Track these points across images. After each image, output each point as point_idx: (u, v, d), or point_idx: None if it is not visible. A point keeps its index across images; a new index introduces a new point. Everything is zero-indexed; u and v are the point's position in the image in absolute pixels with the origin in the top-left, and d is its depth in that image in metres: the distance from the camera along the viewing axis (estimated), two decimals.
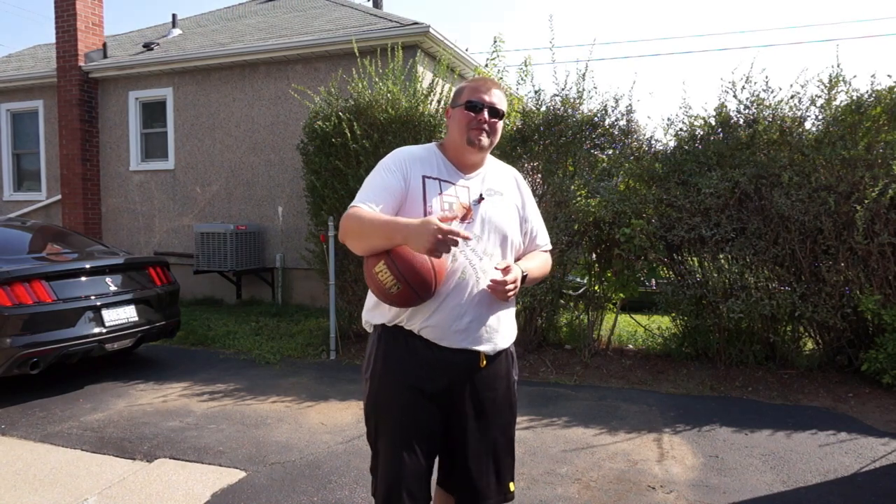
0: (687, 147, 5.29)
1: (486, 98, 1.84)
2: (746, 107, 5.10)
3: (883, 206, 4.60)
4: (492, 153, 2.01)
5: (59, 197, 9.91)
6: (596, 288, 5.86)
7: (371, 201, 1.77)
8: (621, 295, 5.84)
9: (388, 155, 1.90)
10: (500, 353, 1.90)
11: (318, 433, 3.93)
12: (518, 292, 1.82)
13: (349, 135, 5.90)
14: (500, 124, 1.88)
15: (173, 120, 9.32)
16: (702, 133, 5.26)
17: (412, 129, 5.93)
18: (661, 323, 6.17)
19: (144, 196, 9.56)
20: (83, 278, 4.98)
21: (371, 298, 1.93)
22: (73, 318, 4.73)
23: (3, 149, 10.50)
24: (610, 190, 5.37)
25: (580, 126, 5.60)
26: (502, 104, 1.87)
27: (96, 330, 4.85)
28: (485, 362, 1.85)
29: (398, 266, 1.67)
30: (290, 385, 5.02)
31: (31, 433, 3.93)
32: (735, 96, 5.16)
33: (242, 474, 3.33)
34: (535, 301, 5.50)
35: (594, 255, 5.86)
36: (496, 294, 1.77)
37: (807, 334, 5.36)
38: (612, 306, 6.04)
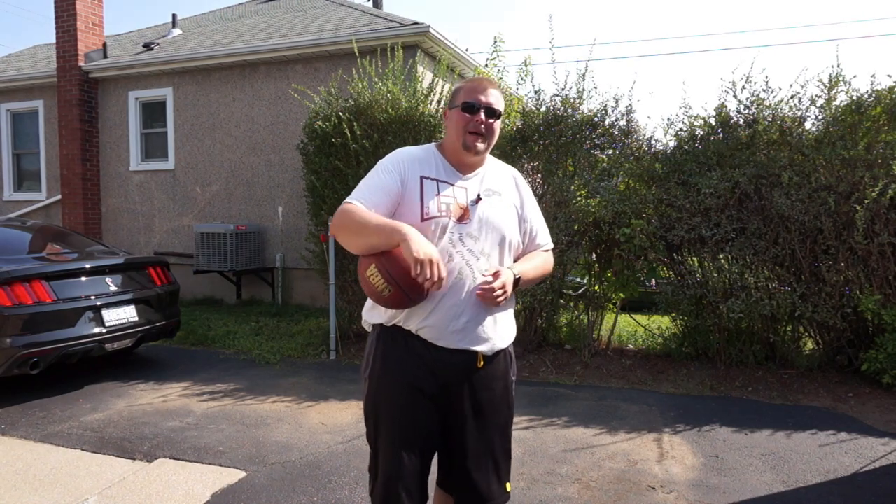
0: (687, 147, 5.29)
1: (483, 98, 1.84)
2: (746, 107, 5.10)
3: (883, 206, 4.60)
4: (492, 153, 2.02)
5: (59, 197, 9.91)
6: (596, 288, 5.86)
7: (366, 200, 1.78)
8: (621, 295, 5.84)
9: (388, 155, 1.91)
10: (498, 353, 1.90)
11: (318, 433, 3.93)
12: (510, 296, 1.81)
13: (349, 135, 5.90)
14: (497, 124, 1.87)
15: (173, 120, 9.32)
16: (702, 133, 5.26)
17: (412, 129, 5.93)
18: (661, 323, 6.17)
19: (144, 196, 9.56)
20: (83, 278, 4.98)
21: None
22: (73, 318, 4.73)
23: (3, 149, 10.51)
24: (610, 190, 5.37)
25: (580, 126, 5.60)
26: (499, 104, 1.87)
27: (96, 330, 4.85)
28: (482, 362, 1.85)
29: (389, 269, 1.70)
30: (290, 385, 5.02)
31: (31, 433, 3.93)
32: (735, 96, 5.16)
33: (242, 474, 3.33)
34: (535, 301, 5.50)
35: (594, 255, 5.86)
36: (484, 300, 1.77)
37: (807, 334, 5.36)
38: (612, 306, 6.04)
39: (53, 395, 4.72)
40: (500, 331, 1.87)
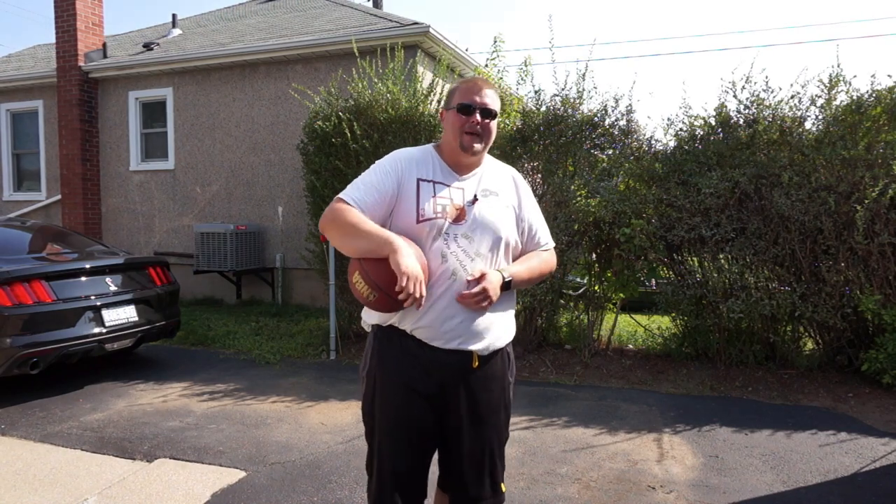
0: (687, 147, 5.29)
1: (478, 99, 1.84)
2: (746, 107, 5.10)
3: (883, 206, 4.60)
4: (492, 153, 2.02)
5: (59, 197, 9.91)
6: (596, 288, 5.86)
7: (359, 199, 1.80)
8: (621, 295, 5.84)
9: (386, 156, 1.92)
10: (495, 353, 1.89)
11: (318, 433, 3.93)
12: (496, 298, 1.78)
13: (349, 135, 5.90)
14: (493, 124, 1.87)
15: (173, 120, 9.32)
16: (702, 133, 5.26)
17: (412, 129, 5.93)
18: (661, 323, 6.17)
19: (144, 196, 9.56)
20: (83, 278, 4.98)
21: None
22: (73, 318, 4.73)
23: (3, 149, 10.51)
24: (610, 190, 5.37)
25: (580, 126, 5.59)
26: (495, 104, 1.87)
27: (96, 330, 4.85)
28: (477, 362, 1.85)
29: (371, 275, 1.72)
30: (290, 385, 5.02)
31: (31, 433, 3.93)
32: (735, 96, 5.16)
33: (242, 474, 3.33)
34: (535, 301, 5.50)
35: (594, 255, 5.86)
36: (466, 306, 1.77)
37: (807, 334, 5.36)
38: (612, 306, 6.04)
39: (53, 395, 4.72)
40: (496, 331, 1.86)
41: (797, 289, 4.87)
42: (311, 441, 3.80)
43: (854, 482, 3.25)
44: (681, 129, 5.35)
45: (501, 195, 1.92)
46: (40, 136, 10.27)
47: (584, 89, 5.65)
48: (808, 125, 4.97)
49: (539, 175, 5.85)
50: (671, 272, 5.58)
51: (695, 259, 5.40)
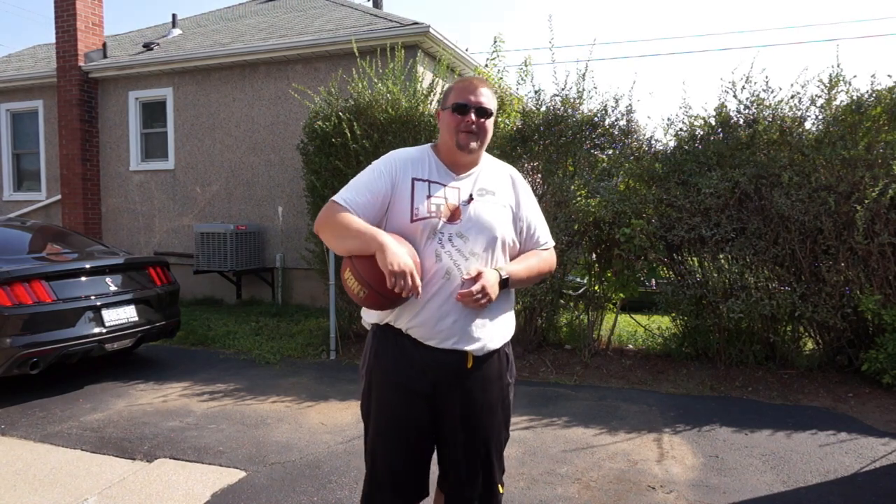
0: (687, 147, 5.29)
1: (473, 98, 1.84)
2: (746, 107, 5.10)
3: (883, 206, 4.60)
4: (492, 153, 2.03)
5: (59, 197, 9.91)
6: (596, 288, 5.86)
7: (352, 200, 1.82)
8: (621, 295, 5.83)
9: (382, 157, 1.93)
10: (491, 354, 1.88)
11: (318, 433, 3.93)
12: (494, 297, 1.77)
13: (349, 135, 5.90)
14: (488, 123, 1.87)
15: (173, 120, 9.32)
16: (702, 133, 5.26)
17: (412, 129, 5.93)
18: (661, 323, 6.17)
19: (144, 196, 9.56)
20: (83, 278, 4.98)
21: None
22: (73, 318, 4.73)
23: (3, 149, 10.51)
24: (610, 190, 5.37)
25: (580, 126, 5.60)
26: (490, 103, 1.87)
27: (96, 330, 4.85)
28: (471, 363, 1.84)
29: (361, 273, 1.74)
30: (290, 385, 5.02)
31: (31, 433, 3.93)
32: (735, 96, 5.16)
33: (242, 474, 3.33)
34: (535, 301, 5.50)
35: (594, 255, 5.86)
36: (464, 304, 1.77)
37: (807, 334, 5.36)
38: (612, 306, 6.04)
39: (53, 395, 4.72)
40: (491, 331, 1.85)
41: (797, 289, 4.87)
42: (311, 441, 3.80)
43: (854, 482, 3.25)
44: (681, 129, 5.35)
45: (498, 194, 1.92)
46: (40, 136, 10.27)
47: (584, 89, 5.65)
48: (808, 125, 4.97)
49: (539, 175, 5.85)
50: (671, 272, 5.58)
51: (695, 259, 5.40)
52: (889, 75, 6.39)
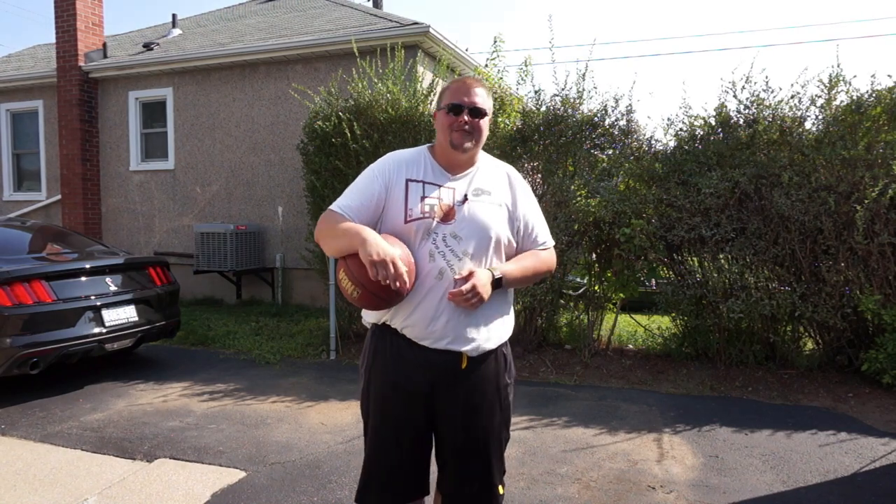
0: (687, 147, 5.29)
1: (467, 99, 1.85)
2: (746, 107, 5.10)
3: (883, 206, 4.60)
4: (492, 153, 2.03)
5: (59, 197, 9.91)
6: (596, 288, 5.86)
7: (345, 206, 1.85)
8: (621, 295, 5.83)
9: (379, 159, 1.95)
10: (487, 354, 1.87)
11: (318, 433, 3.93)
12: (486, 297, 1.76)
13: (349, 135, 5.90)
14: (483, 122, 1.87)
15: (173, 120, 9.32)
16: (702, 133, 5.26)
17: (412, 129, 5.93)
18: (661, 323, 6.17)
19: (144, 196, 9.56)
20: (83, 278, 4.98)
21: None
22: (73, 318, 4.73)
23: (3, 149, 10.50)
24: (610, 190, 5.37)
25: (580, 126, 5.60)
26: (484, 102, 1.87)
27: (96, 330, 4.85)
28: (466, 363, 1.84)
29: (354, 272, 1.75)
30: (290, 385, 5.02)
31: (31, 433, 3.93)
32: (735, 96, 5.16)
33: (242, 474, 3.33)
34: (535, 301, 5.50)
35: (594, 255, 5.86)
36: (455, 304, 1.77)
37: (807, 334, 5.36)
38: (612, 306, 6.04)
39: (53, 395, 4.72)
40: (485, 332, 1.84)
41: (797, 289, 4.87)
42: (311, 441, 3.80)
43: (854, 482, 3.25)
44: (681, 129, 5.35)
45: (494, 194, 1.91)
46: (40, 136, 10.27)
47: (584, 89, 5.65)
48: (808, 125, 4.97)
49: (539, 175, 5.85)
50: (671, 272, 5.58)
51: (695, 259, 5.40)
52: (889, 75, 6.40)
